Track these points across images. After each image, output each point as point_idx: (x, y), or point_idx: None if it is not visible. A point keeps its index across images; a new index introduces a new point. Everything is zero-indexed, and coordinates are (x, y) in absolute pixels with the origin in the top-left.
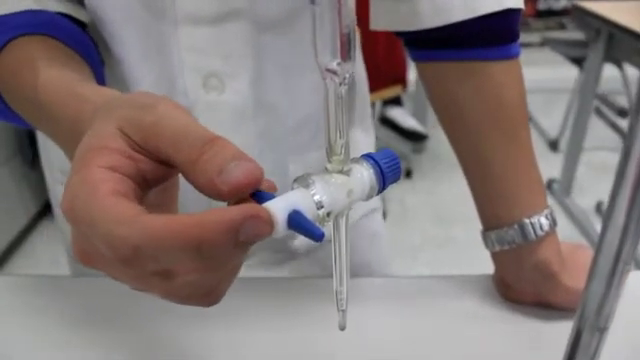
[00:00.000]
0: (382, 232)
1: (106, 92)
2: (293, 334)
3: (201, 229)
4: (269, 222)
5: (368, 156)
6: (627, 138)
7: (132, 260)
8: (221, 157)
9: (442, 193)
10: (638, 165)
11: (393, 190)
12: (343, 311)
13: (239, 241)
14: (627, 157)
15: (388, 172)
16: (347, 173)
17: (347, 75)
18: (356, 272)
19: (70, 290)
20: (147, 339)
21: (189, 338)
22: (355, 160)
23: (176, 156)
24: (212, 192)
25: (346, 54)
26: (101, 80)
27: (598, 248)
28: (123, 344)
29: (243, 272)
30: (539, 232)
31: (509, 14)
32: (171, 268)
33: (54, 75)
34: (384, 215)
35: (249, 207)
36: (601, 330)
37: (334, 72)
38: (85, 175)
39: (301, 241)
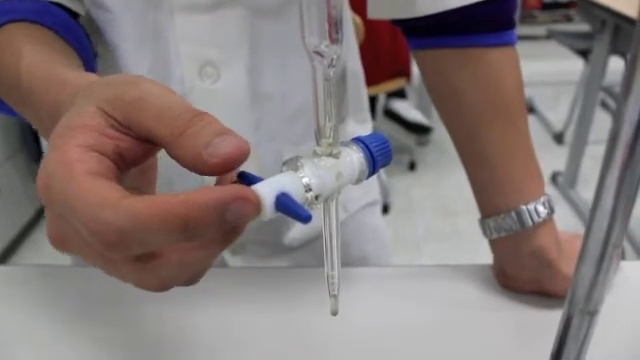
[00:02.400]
0: (381, 226)
1: (89, 77)
2: (288, 321)
3: (187, 207)
4: (256, 204)
5: (358, 139)
6: (615, 121)
7: (117, 244)
8: (208, 131)
9: (446, 185)
10: (626, 148)
11: (397, 182)
12: (335, 296)
13: (226, 221)
14: (615, 140)
15: (378, 155)
16: (336, 156)
17: (334, 57)
18: (353, 266)
19: (72, 279)
20: (146, 325)
21: (187, 324)
22: (345, 143)
23: (159, 130)
24: (198, 166)
25: (334, 36)
26: (92, 71)
27: (587, 232)
28: (122, 331)
29: (238, 263)
30: (536, 219)
31: (506, 0)
32: (156, 250)
33: (38, 61)
34: (388, 208)
35: (237, 188)
36: (591, 314)
37: (321, 55)
38: (61, 154)
39: (295, 234)
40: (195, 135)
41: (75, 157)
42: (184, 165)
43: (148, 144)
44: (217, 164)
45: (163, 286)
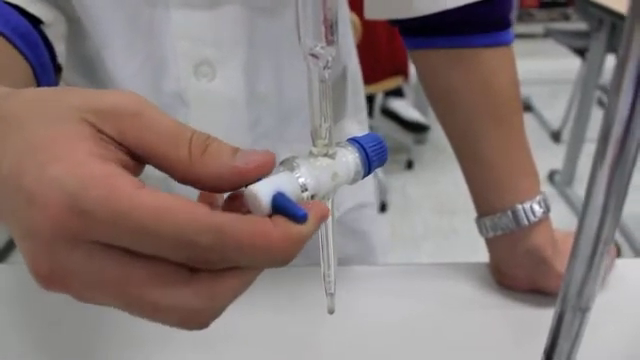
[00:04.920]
0: (369, 230)
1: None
2: (284, 320)
3: (291, 245)
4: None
5: (353, 140)
6: (605, 118)
7: (214, 263)
8: (226, 148)
9: (444, 184)
10: (616, 145)
11: (395, 181)
12: (331, 294)
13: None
14: (605, 137)
15: (373, 156)
16: (332, 157)
17: (330, 58)
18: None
19: None
20: (146, 324)
21: None
22: (341, 144)
23: (175, 151)
24: (232, 177)
25: (330, 38)
26: (47, 81)
27: (578, 229)
28: (121, 329)
29: None
30: (532, 218)
31: (501, 1)
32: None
33: None
34: (385, 206)
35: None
36: (583, 311)
37: (317, 56)
38: (81, 168)
39: None
40: (218, 152)
41: (111, 171)
42: (206, 184)
43: (138, 162)
44: (255, 168)
45: (213, 316)
